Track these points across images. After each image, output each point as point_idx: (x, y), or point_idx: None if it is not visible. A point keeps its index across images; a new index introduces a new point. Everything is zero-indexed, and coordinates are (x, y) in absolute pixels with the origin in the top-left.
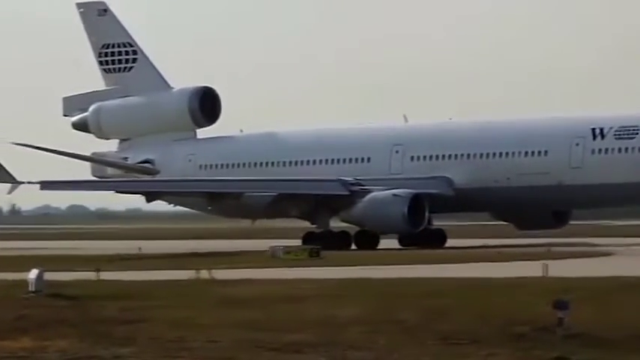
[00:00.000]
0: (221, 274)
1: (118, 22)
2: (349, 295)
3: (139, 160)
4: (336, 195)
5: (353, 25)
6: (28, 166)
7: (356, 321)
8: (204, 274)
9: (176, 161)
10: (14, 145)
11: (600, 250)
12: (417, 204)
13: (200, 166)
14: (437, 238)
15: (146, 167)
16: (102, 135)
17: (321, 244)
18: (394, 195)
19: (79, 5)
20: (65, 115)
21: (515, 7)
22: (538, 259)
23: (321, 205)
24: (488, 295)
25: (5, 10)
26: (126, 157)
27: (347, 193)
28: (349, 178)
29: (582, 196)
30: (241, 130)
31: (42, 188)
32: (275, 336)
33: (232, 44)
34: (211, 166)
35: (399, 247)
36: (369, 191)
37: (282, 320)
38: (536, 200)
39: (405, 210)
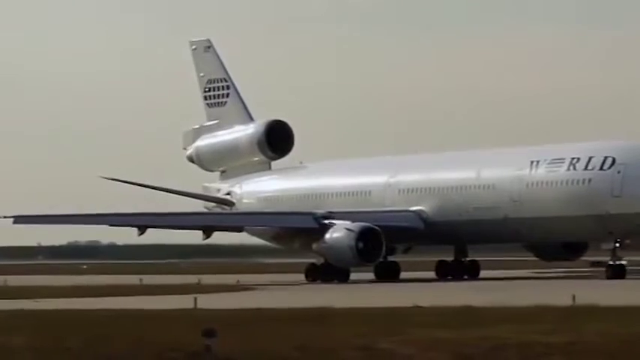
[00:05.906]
0: None
1: (217, 58)
2: (17, 325)
3: (225, 192)
4: (308, 228)
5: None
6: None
7: (26, 348)
8: None
9: (244, 193)
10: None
11: (244, 285)
12: (372, 237)
13: (259, 198)
14: (471, 270)
15: (225, 199)
16: (203, 167)
17: (320, 277)
18: (346, 229)
19: (191, 43)
20: (184, 149)
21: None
22: (189, 293)
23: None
24: (146, 325)
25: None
26: (219, 189)
27: (316, 226)
28: (321, 211)
29: (523, 230)
30: (300, 162)
31: (15, 222)
32: None
33: (312, 80)
34: (270, 198)
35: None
36: (334, 225)
37: None
38: (489, 234)
39: (353, 243)
